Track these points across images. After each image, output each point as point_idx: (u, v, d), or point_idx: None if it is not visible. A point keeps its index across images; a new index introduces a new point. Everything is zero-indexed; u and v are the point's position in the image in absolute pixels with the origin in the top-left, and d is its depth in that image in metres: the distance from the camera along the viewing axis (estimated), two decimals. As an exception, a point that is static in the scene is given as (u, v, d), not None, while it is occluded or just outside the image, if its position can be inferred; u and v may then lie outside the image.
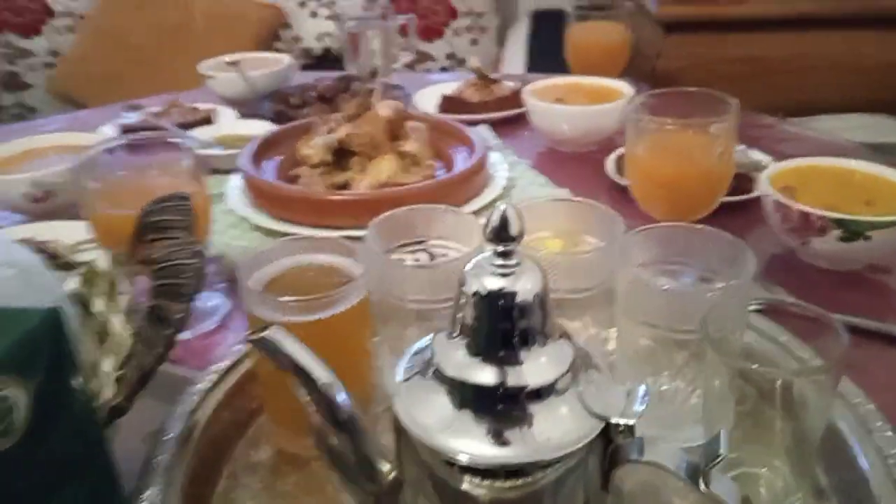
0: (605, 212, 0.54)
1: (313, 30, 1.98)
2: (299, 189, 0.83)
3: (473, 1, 2.03)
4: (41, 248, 0.53)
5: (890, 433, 0.47)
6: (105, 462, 0.37)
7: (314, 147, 0.86)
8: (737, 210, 0.84)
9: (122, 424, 0.49)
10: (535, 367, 0.34)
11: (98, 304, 0.51)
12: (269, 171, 0.92)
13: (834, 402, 0.46)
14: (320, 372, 0.39)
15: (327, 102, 1.14)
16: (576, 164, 1.06)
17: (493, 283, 0.34)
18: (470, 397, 0.34)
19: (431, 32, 2.00)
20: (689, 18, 1.35)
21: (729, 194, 0.81)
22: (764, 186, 0.75)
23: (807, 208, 0.70)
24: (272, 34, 2.00)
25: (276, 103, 1.18)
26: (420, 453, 0.35)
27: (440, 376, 0.35)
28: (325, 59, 2.01)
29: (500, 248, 0.34)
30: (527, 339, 0.35)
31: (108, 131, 1.14)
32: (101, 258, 0.51)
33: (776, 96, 1.33)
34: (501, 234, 0.33)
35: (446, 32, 2.02)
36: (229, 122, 1.14)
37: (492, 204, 0.86)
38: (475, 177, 0.89)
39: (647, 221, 0.77)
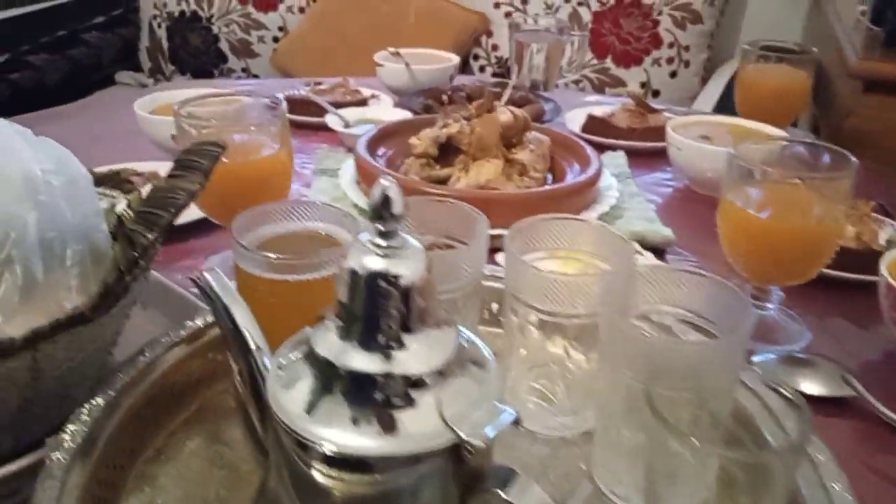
0: (618, 239, 0.49)
1: (513, 40, 2.01)
2: (392, 174, 0.85)
3: (684, 33, 1.94)
4: (111, 174, 0.60)
5: None
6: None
7: (421, 138, 0.88)
8: (852, 290, 0.73)
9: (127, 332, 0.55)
10: (405, 357, 0.33)
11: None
12: (383, 156, 0.95)
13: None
14: (252, 330, 0.39)
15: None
16: (705, 208, 0.97)
17: (370, 263, 0.33)
18: (332, 382, 0.33)
19: (629, 59, 1.94)
20: (892, 77, 1.19)
21: (846, 269, 0.71)
22: (882, 266, 0.65)
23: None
24: (473, 39, 2.05)
25: (428, 98, 1.22)
26: (279, 435, 0.35)
27: (311, 359, 0.34)
28: (518, 70, 2.02)
29: (382, 228, 0.33)
30: (402, 326, 0.33)
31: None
32: (146, 187, 0.56)
33: None
34: (382, 213, 0.32)
35: (645, 61, 1.95)
36: (379, 108, 1.20)
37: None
38: (573, 196, 0.85)
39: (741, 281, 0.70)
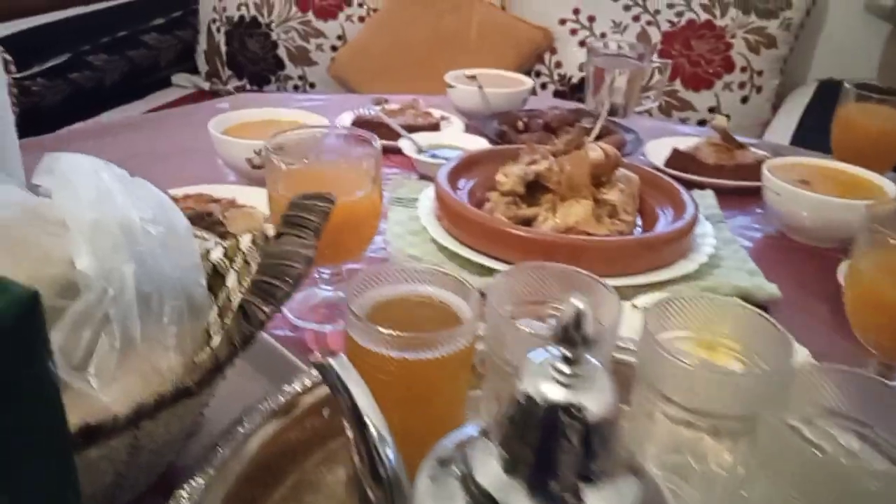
0: (775, 331, 0.44)
1: (576, 58, 1.96)
2: (477, 213, 0.81)
3: (758, 57, 1.87)
4: (203, 214, 0.56)
5: None
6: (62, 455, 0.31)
7: (509, 175, 0.83)
8: None
9: (222, 390, 0.51)
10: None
11: (231, 279, 0.52)
12: (464, 188, 0.91)
13: None
14: (376, 420, 0.36)
15: (552, 132, 1.11)
16: (803, 258, 0.92)
17: (551, 392, 0.28)
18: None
19: (699, 82, 1.88)
20: None
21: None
22: None
23: None
24: (537, 56, 2.01)
25: (502, 124, 1.17)
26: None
27: (468, 485, 0.30)
28: (580, 90, 1.97)
29: (569, 353, 0.28)
30: (581, 474, 0.28)
31: (346, 119, 1.21)
32: (244, 237, 0.52)
33: None
34: (571, 335, 0.28)
35: (716, 84, 1.88)
36: (452, 133, 1.15)
37: (677, 281, 0.77)
38: (671, 244, 0.80)
39: (861, 351, 0.64)
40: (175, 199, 0.84)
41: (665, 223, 0.85)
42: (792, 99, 1.93)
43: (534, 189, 0.86)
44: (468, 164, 0.94)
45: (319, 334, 0.70)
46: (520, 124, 1.15)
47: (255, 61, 2.25)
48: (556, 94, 1.97)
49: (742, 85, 1.88)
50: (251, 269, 0.51)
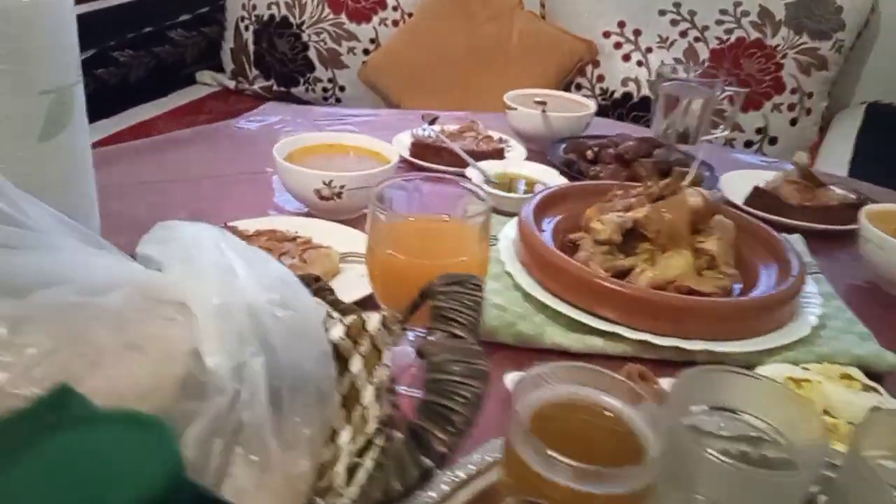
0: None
1: (620, 72, 1.90)
2: (575, 265, 0.75)
3: (808, 79, 1.81)
4: (309, 278, 0.51)
5: None
6: None
7: (606, 223, 0.78)
8: None
9: None
10: None
11: (356, 364, 0.46)
12: (547, 228, 0.85)
13: None
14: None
15: (625, 165, 1.06)
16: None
17: None
18: None
19: (748, 102, 1.82)
20: None
21: None
22: None
23: None
24: (579, 68, 1.95)
25: (570, 152, 1.11)
26: None
27: None
28: (621, 105, 1.92)
29: None
30: None
31: (404, 139, 1.15)
32: (372, 317, 0.47)
33: None
34: None
35: (765, 105, 1.83)
36: (518, 161, 1.10)
37: (793, 346, 0.72)
38: (784, 304, 0.74)
39: None
40: (245, 236, 0.78)
41: (769, 278, 0.79)
42: (840, 121, 1.87)
43: (629, 237, 0.80)
44: (551, 202, 0.88)
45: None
46: (589, 153, 1.09)
47: (284, 62, 2.18)
48: (600, 110, 1.91)
49: (792, 107, 1.83)
50: (384, 357, 0.45)
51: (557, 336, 0.72)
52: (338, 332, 0.48)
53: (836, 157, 1.61)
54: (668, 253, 0.78)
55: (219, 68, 2.30)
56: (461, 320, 0.40)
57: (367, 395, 0.45)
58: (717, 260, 0.80)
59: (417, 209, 0.63)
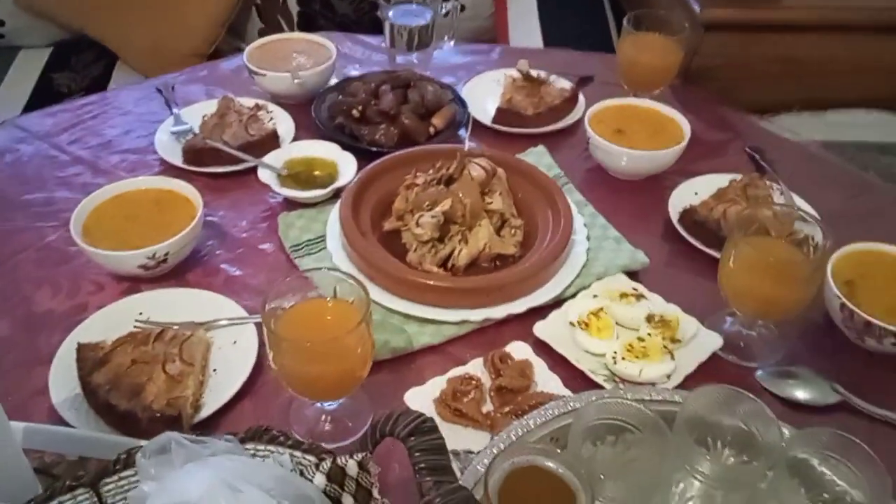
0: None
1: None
2: (420, 273, 0.89)
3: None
4: (272, 437, 0.60)
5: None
6: None
7: (424, 226, 0.91)
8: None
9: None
10: None
11: (347, 501, 0.59)
12: (364, 223, 0.96)
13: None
14: None
15: (391, 120, 1.15)
16: (633, 194, 1.11)
17: None
18: None
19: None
20: (728, 20, 1.40)
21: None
22: (828, 283, 0.86)
23: (872, 319, 0.82)
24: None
25: (336, 116, 1.17)
26: None
27: None
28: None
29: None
30: None
31: (167, 141, 1.13)
32: (350, 462, 0.58)
33: (800, 93, 1.42)
34: None
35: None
36: (300, 145, 1.12)
37: (580, 276, 0.94)
38: (561, 253, 0.93)
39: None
40: (107, 352, 0.79)
41: (543, 210, 0.99)
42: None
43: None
44: (359, 192, 0.98)
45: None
46: (355, 113, 1.16)
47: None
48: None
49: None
50: (374, 494, 0.58)
51: (424, 337, 0.86)
52: (319, 479, 0.59)
53: (523, 28, 1.75)
54: (474, 229, 0.94)
55: None
56: (432, 465, 0.54)
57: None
58: (504, 214, 0.98)
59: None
